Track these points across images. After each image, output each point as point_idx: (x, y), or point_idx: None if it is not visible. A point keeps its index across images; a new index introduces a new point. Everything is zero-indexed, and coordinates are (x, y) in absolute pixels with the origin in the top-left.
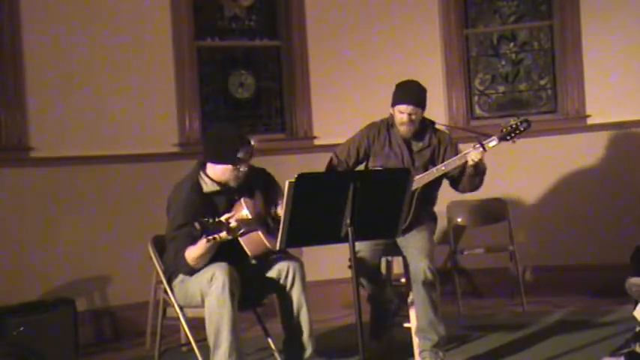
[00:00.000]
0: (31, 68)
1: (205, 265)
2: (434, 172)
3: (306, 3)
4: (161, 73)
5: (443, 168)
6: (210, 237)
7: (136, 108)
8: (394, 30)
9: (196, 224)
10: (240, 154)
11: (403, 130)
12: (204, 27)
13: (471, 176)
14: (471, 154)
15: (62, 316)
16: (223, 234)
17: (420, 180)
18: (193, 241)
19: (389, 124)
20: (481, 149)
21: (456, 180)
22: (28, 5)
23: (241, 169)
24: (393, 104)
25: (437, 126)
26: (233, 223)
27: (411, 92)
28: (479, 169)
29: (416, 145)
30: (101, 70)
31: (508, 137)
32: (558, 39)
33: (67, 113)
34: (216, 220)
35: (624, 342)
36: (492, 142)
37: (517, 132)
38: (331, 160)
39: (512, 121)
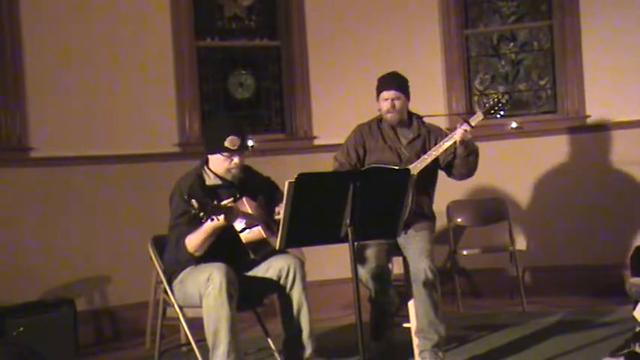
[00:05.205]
0: (31, 68)
1: (204, 261)
2: (426, 158)
3: (306, 3)
4: (161, 73)
5: (434, 152)
6: (209, 218)
7: (136, 108)
8: (394, 30)
9: (193, 202)
10: (226, 143)
11: (389, 117)
12: (204, 27)
13: (464, 157)
14: (459, 132)
15: (62, 316)
16: (221, 217)
17: (414, 168)
18: (194, 228)
19: (378, 120)
20: (467, 126)
21: (450, 165)
22: (27, 5)
23: (234, 161)
24: (377, 95)
25: (425, 119)
26: (231, 205)
27: (391, 79)
28: (470, 149)
29: (406, 137)
30: (101, 70)
31: (492, 111)
32: (558, 39)
33: (67, 113)
34: (215, 203)
35: (624, 342)
36: (477, 118)
37: (500, 105)
38: (334, 163)
39: (494, 94)
